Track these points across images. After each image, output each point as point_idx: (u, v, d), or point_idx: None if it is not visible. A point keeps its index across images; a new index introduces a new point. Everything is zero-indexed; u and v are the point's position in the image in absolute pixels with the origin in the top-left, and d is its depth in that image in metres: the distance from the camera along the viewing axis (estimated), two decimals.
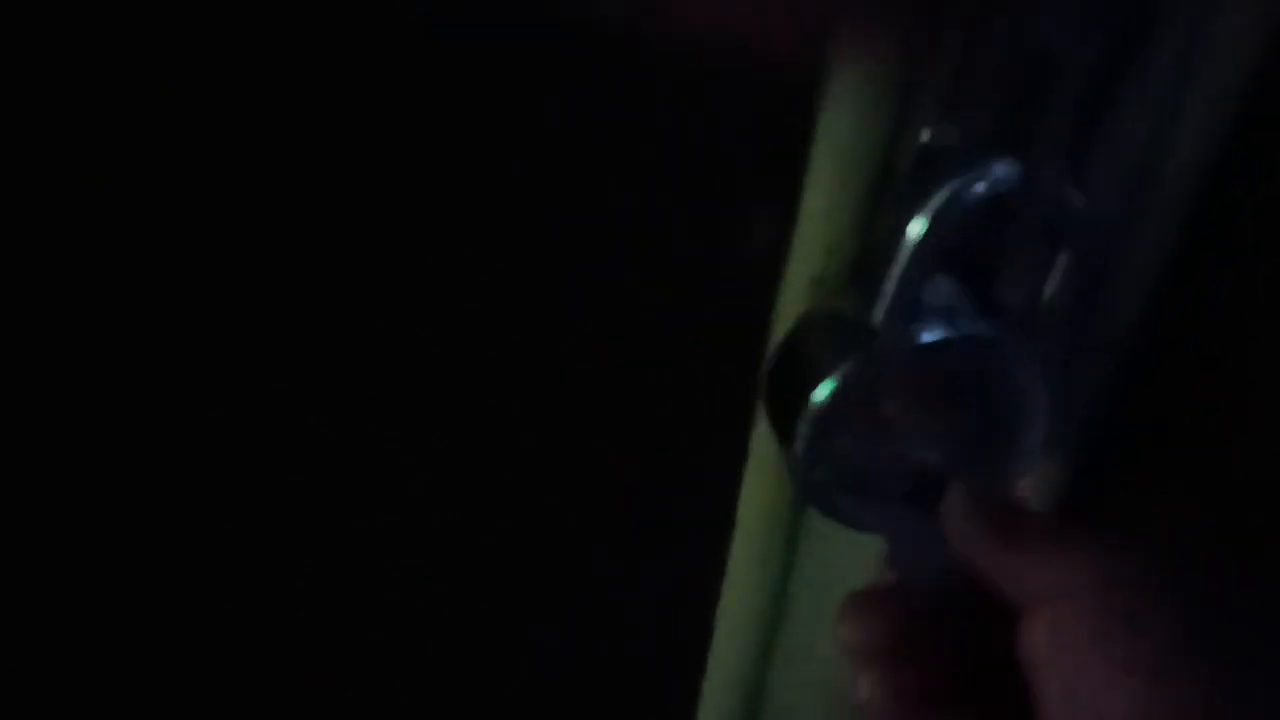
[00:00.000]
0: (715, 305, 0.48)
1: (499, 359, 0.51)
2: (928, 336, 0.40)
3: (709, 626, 0.57)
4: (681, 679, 0.59)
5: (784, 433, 0.42)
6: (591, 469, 0.54)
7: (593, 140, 0.44)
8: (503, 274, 0.49)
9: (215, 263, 0.48)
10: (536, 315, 0.50)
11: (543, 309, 0.49)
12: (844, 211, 0.42)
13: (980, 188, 0.39)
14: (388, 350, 0.50)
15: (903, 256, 0.39)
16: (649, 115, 0.43)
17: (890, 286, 0.39)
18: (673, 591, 0.57)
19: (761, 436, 0.50)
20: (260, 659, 0.61)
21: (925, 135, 0.40)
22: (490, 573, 0.58)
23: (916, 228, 0.39)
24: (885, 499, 0.42)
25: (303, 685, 0.62)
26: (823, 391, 0.40)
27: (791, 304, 0.45)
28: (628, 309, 0.49)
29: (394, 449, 0.54)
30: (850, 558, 0.50)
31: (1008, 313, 0.41)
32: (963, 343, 0.40)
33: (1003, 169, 0.39)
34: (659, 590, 0.57)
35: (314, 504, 0.55)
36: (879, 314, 0.39)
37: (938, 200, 0.39)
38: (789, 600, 0.55)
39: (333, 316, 0.50)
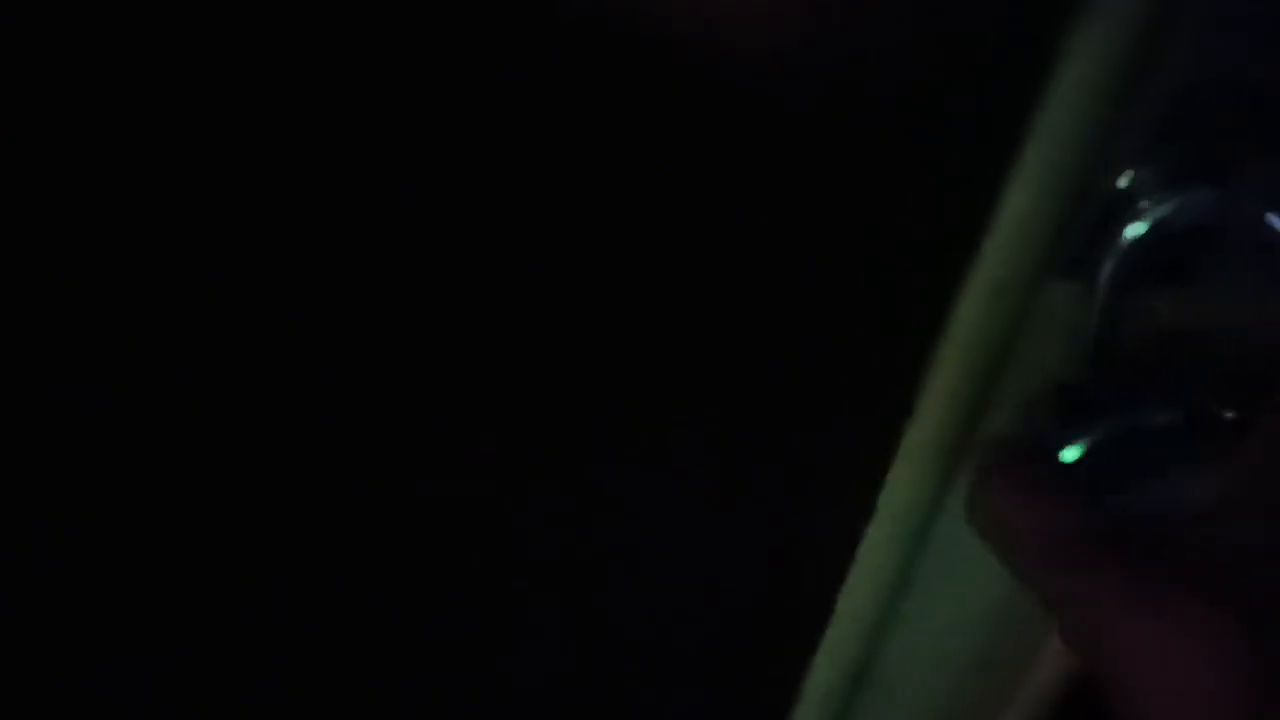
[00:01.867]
0: (891, 298, 0.50)
1: (661, 328, 0.52)
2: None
3: (829, 605, 0.59)
4: (794, 651, 0.61)
5: None
6: (745, 439, 0.55)
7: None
8: (670, 249, 0.50)
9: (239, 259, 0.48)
10: (706, 292, 0.51)
11: (713, 290, 0.51)
12: (1041, 230, 0.44)
13: (1181, 217, 0.41)
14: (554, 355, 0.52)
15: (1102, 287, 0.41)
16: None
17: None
18: (802, 560, 0.59)
19: (914, 424, 0.52)
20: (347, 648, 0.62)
21: (1126, 171, 0.42)
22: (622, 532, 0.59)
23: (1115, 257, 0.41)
24: None
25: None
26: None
27: (971, 310, 0.47)
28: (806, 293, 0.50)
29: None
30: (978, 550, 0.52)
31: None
32: None
33: (1204, 197, 0.41)
34: (789, 558, 0.59)
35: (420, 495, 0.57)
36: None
37: (1137, 230, 0.41)
38: (912, 585, 0.57)
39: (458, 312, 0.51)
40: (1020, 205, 0.44)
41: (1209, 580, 0.35)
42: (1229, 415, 0.43)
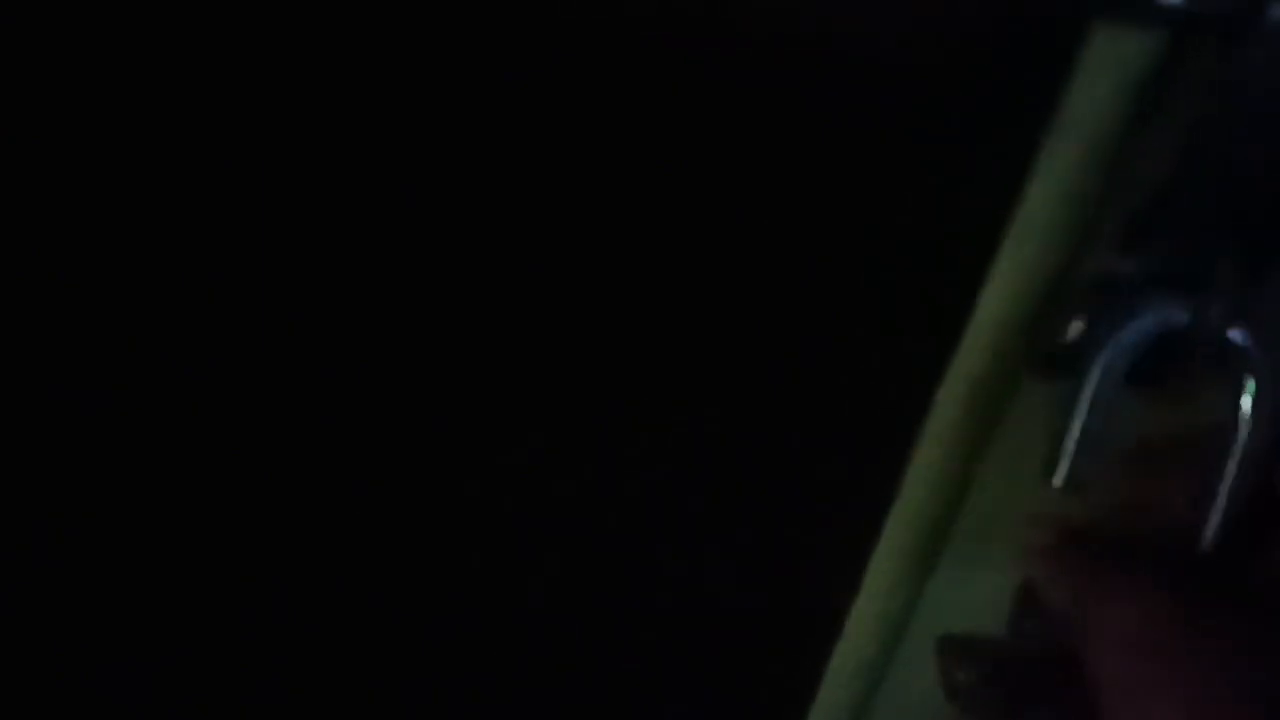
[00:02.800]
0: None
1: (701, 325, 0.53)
2: None
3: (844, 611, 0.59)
4: (808, 659, 0.61)
5: None
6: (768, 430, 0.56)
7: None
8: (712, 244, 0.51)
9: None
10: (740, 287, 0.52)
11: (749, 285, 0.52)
12: (1016, 328, 0.45)
13: (1150, 324, 0.42)
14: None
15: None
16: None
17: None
18: (819, 568, 0.59)
19: (895, 512, 0.53)
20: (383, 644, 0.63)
21: (1105, 264, 0.43)
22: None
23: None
24: None
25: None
26: None
27: (949, 405, 0.48)
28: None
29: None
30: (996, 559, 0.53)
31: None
32: None
33: (1173, 308, 0.42)
34: (809, 560, 0.59)
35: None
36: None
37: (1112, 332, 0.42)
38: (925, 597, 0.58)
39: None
40: (996, 305, 0.46)
41: None
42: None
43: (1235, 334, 0.42)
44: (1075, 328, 0.44)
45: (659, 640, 0.62)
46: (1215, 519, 0.43)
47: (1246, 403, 0.42)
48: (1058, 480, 0.44)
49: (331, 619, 0.61)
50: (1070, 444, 0.45)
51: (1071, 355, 0.44)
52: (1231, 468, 0.43)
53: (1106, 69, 0.41)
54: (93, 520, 0.56)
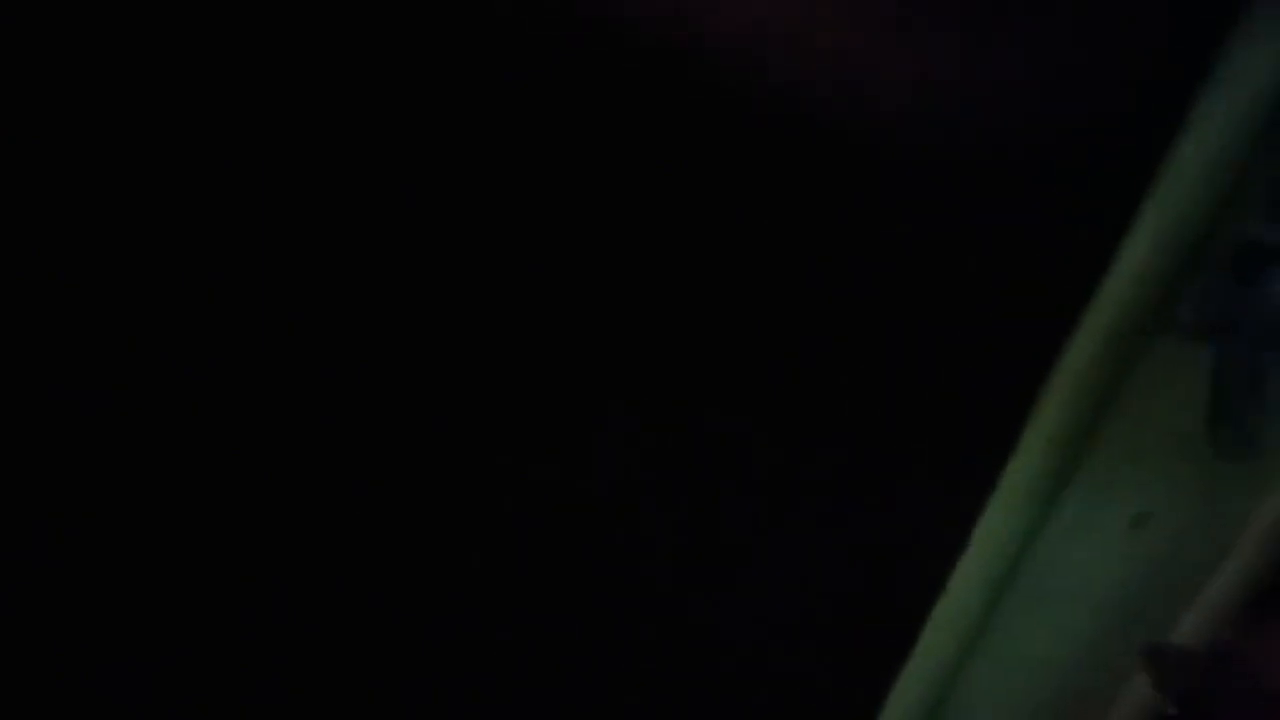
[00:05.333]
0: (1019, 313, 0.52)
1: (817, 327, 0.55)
2: None
3: (913, 637, 0.61)
4: (874, 680, 0.63)
5: None
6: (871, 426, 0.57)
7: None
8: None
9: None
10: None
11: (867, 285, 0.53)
12: (1156, 283, 0.47)
13: None
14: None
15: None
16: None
17: None
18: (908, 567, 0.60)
19: (1013, 464, 0.55)
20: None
21: (1252, 231, 0.44)
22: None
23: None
24: None
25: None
26: None
27: (1079, 356, 0.50)
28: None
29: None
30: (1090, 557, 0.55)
31: None
32: None
33: None
34: (881, 588, 0.61)
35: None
36: None
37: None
38: (995, 622, 0.59)
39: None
40: (1138, 257, 0.47)
41: None
42: None
43: None
44: (1218, 291, 0.45)
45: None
46: None
47: None
48: (1221, 450, 0.45)
49: (332, 619, 0.61)
50: (1229, 412, 0.45)
51: (1212, 320, 0.46)
52: None
53: (1265, 31, 0.41)
54: (93, 520, 0.56)
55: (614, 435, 0.57)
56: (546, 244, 0.50)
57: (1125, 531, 0.53)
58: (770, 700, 0.66)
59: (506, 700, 0.63)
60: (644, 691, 0.64)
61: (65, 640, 0.58)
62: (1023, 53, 0.45)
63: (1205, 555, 0.50)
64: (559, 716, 0.64)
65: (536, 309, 0.52)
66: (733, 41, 0.44)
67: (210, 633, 0.59)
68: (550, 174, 0.48)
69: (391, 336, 0.52)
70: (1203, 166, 0.46)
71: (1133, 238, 0.47)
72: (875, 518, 0.59)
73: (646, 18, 0.43)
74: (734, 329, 0.54)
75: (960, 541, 0.57)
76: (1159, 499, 0.52)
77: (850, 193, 0.49)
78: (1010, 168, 0.48)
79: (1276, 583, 0.46)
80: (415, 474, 0.56)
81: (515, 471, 0.57)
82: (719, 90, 0.45)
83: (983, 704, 0.62)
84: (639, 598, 0.62)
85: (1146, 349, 0.50)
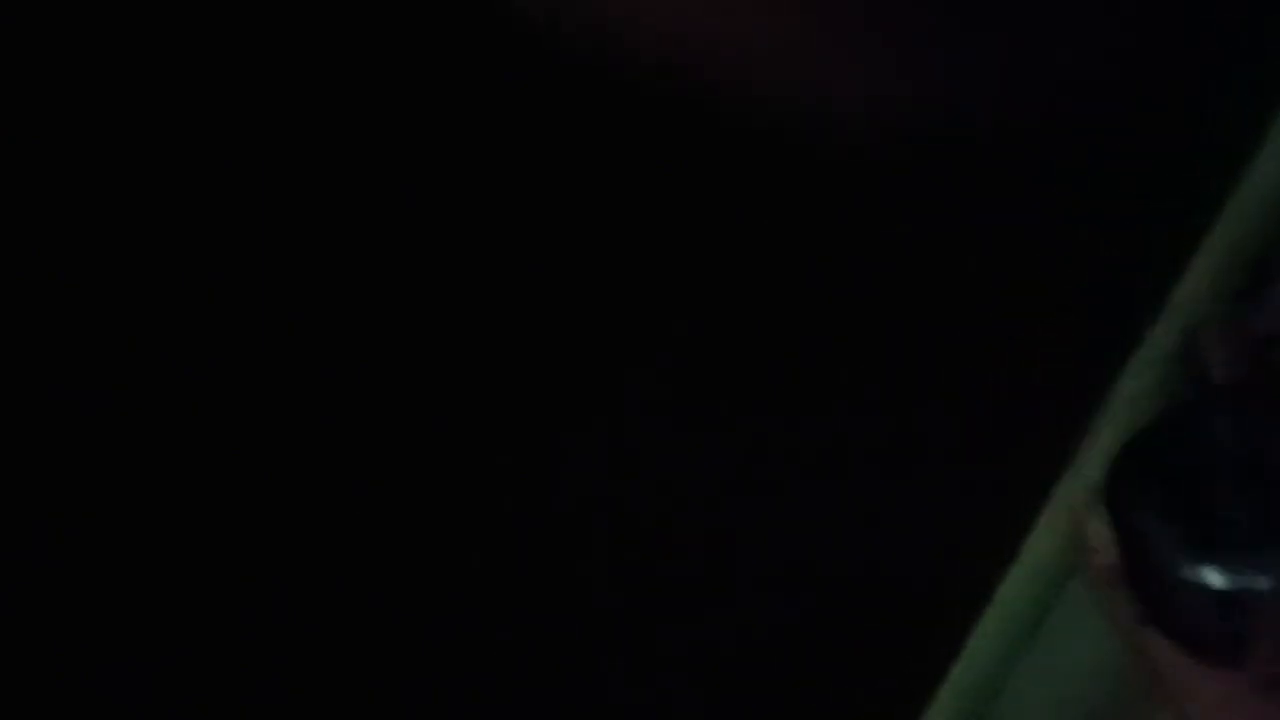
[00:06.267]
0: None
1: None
2: None
3: (959, 643, 0.59)
4: (915, 687, 0.62)
5: None
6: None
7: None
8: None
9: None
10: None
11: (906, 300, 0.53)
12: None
13: None
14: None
15: None
16: None
17: None
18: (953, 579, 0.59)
19: (1070, 476, 0.52)
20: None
21: None
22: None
23: None
24: None
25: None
26: None
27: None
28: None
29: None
30: None
31: None
32: None
33: None
34: (928, 593, 0.60)
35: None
36: None
37: None
38: (1041, 631, 0.58)
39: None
40: (1199, 274, 0.45)
41: None
42: None
43: None
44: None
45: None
46: None
47: None
48: None
49: (332, 619, 0.60)
50: None
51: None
52: None
53: None
54: (93, 520, 0.55)
55: (625, 435, 0.55)
56: (547, 244, 0.50)
57: None
58: (812, 711, 0.66)
59: (506, 700, 0.64)
60: (658, 698, 0.64)
61: (65, 640, 0.58)
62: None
63: None
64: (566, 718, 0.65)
65: (539, 310, 0.52)
66: (733, 41, 0.42)
67: (210, 633, 0.59)
68: (551, 175, 0.48)
69: (392, 336, 0.53)
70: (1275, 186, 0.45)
71: (1204, 249, 0.46)
72: (925, 526, 0.58)
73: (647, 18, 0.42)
74: (768, 328, 0.53)
75: (1011, 552, 0.56)
76: None
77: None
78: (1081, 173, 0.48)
79: None
80: (415, 474, 0.57)
81: (515, 470, 0.56)
82: (719, 90, 0.44)
83: (1029, 716, 0.61)
84: (660, 606, 0.62)
85: None
